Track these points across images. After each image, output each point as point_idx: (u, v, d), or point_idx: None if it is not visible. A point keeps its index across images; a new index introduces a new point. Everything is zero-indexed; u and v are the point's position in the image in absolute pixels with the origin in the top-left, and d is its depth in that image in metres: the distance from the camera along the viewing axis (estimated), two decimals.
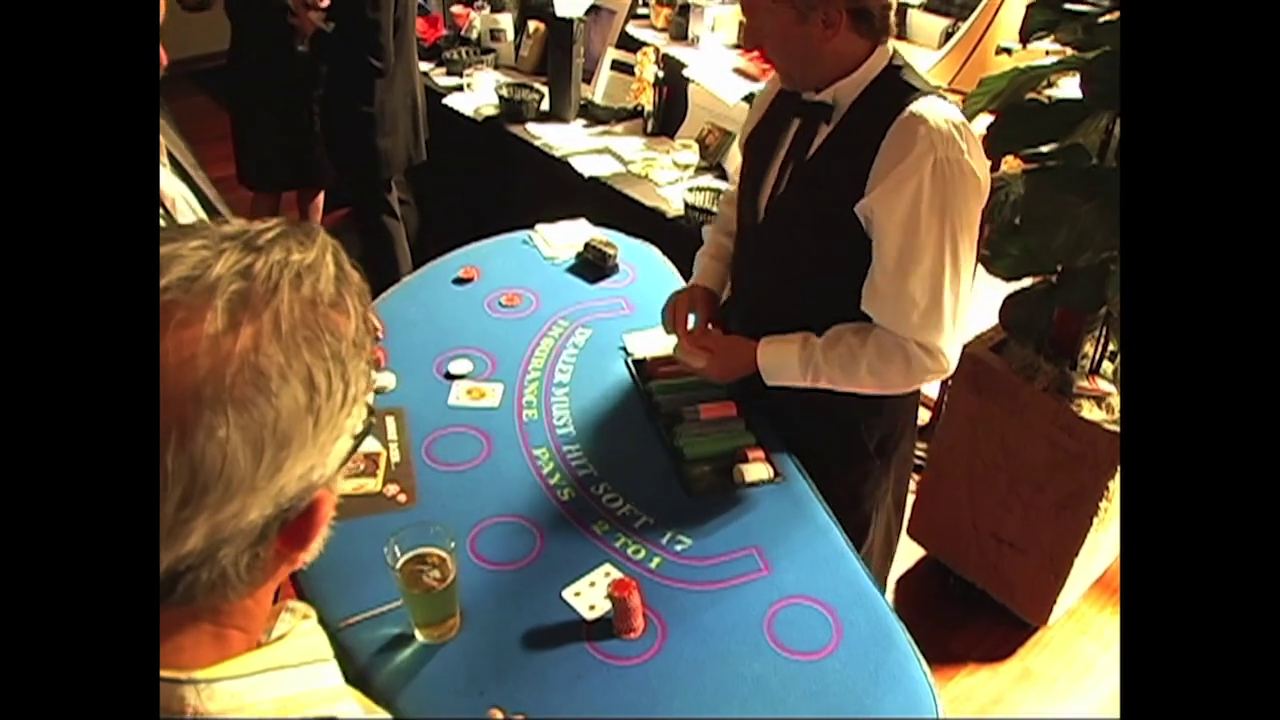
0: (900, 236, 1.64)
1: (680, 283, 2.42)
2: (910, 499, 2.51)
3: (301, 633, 0.79)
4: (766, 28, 1.68)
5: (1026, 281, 2.60)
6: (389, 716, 0.84)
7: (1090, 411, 2.48)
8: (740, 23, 3.79)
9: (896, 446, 2.00)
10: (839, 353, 1.76)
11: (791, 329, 1.82)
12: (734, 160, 2.13)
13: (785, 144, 1.82)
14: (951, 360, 1.73)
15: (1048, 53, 2.50)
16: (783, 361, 1.81)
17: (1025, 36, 2.34)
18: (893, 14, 1.68)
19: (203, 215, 1.69)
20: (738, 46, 3.78)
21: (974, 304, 2.40)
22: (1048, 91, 2.46)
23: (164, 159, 1.66)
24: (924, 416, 3.19)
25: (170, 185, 1.63)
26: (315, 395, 0.65)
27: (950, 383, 2.83)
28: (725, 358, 1.90)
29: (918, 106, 1.63)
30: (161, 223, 1.57)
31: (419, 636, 1.48)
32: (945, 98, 1.70)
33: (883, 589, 2.07)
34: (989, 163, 1.71)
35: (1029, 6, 2.38)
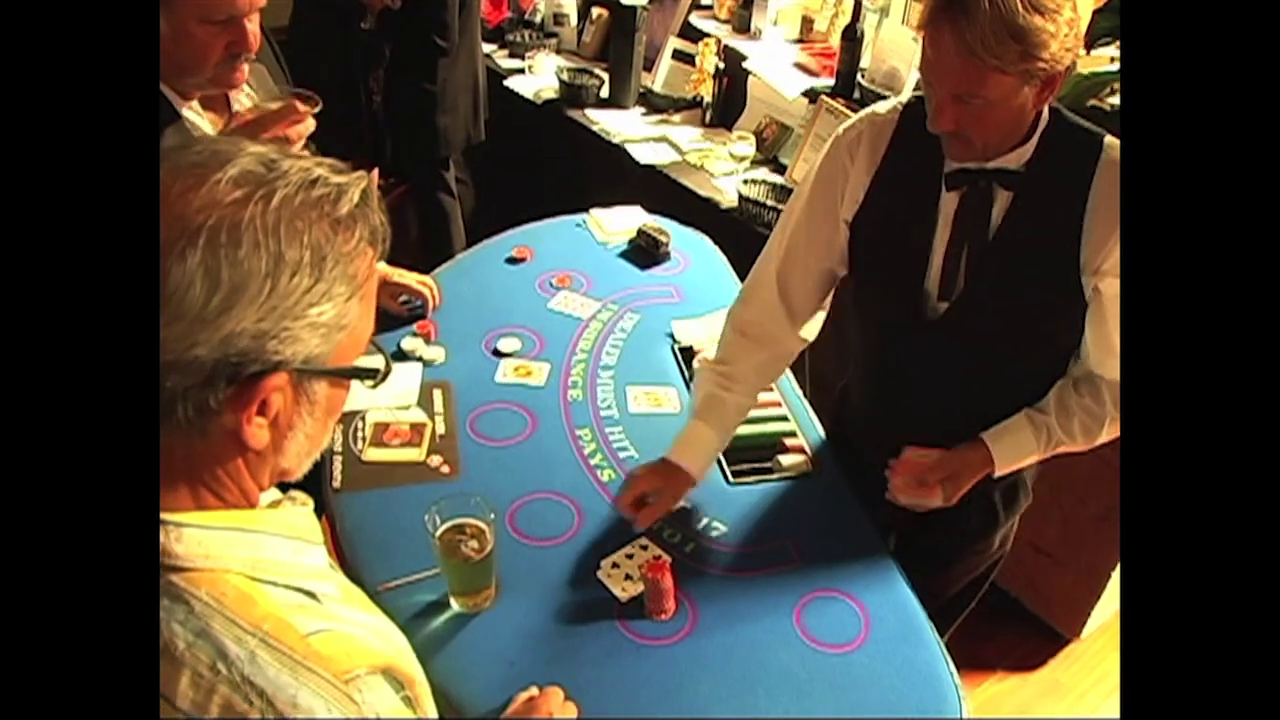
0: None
1: (730, 274, 2.43)
2: None
3: (292, 510, 0.86)
4: (982, 101, 1.39)
5: None
6: (371, 618, 0.88)
7: None
8: (804, 15, 3.77)
9: (1019, 498, 1.92)
10: (1079, 420, 1.64)
11: (981, 418, 1.69)
12: (767, 265, 1.78)
13: (944, 222, 1.58)
14: None
15: (1112, 59, 2.47)
16: (1020, 452, 1.67)
17: (1089, 43, 2.32)
18: None
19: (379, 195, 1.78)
20: (799, 41, 3.76)
21: None
22: (1110, 99, 2.43)
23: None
24: None
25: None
26: (280, 267, 0.72)
27: None
28: (959, 479, 1.68)
29: (1112, 150, 1.50)
30: None
31: (454, 605, 1.51)
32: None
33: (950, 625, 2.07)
34: None
35: (1094, 13, 2.35)
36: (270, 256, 0.72)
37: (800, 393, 2.08)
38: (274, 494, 0.92)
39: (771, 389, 1.95)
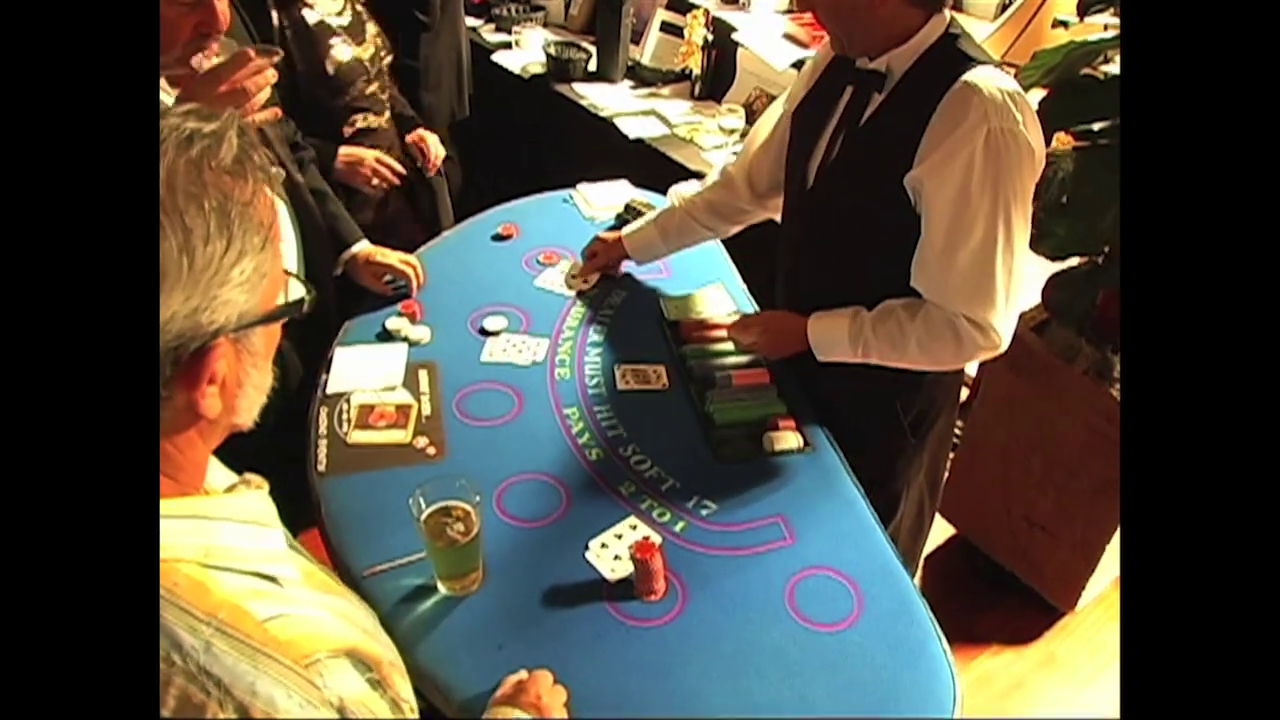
0: (950, 210, 1.61)
1: (719, 249, 2.41)
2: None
3: (247, 494, 0.86)
4: None
5: (1072, 261, 2.55)
6: (334, 599, 0.88)
7: None
8: None
9: (933, 425, 1.98)
10: (888, 328, 1.74)
11: (840, 300, 1.81)
12: (761, 130, 2.07)
13: (837, 112, 1.79)
14: (1004, 337, 1.70)
15: (1106, 27, 2.43)
16: (833, 336, 1.80)
17: (1083, 10, 2.29)
18: None
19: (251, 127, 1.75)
20: (788, 11, 3.73)
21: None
22: (1103, 67, 2.40)
23: None
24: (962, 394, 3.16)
25: None
26: (191, 241, 0.71)
27: (988, 361, 2.79)
28: (775, 334, 1.91)
29: (971, 76, 1.59)
30: None
31: (441, 588, 1.49)
32: (1002, 68, 1.65)
33: (912, 568, 2.06)
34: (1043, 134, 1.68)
35: None
36: (177, 233, 0.70)
37: None
38: (229, 478, 0.91)
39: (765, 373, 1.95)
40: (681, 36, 3.79)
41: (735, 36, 3.56)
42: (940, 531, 3.05)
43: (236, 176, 0.76)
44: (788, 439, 1.80)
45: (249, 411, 0.84)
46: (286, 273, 0.84)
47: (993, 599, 2.90)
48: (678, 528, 1.63)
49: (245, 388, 0.82)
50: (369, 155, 2.57)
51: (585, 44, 3.94)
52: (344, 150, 2.53)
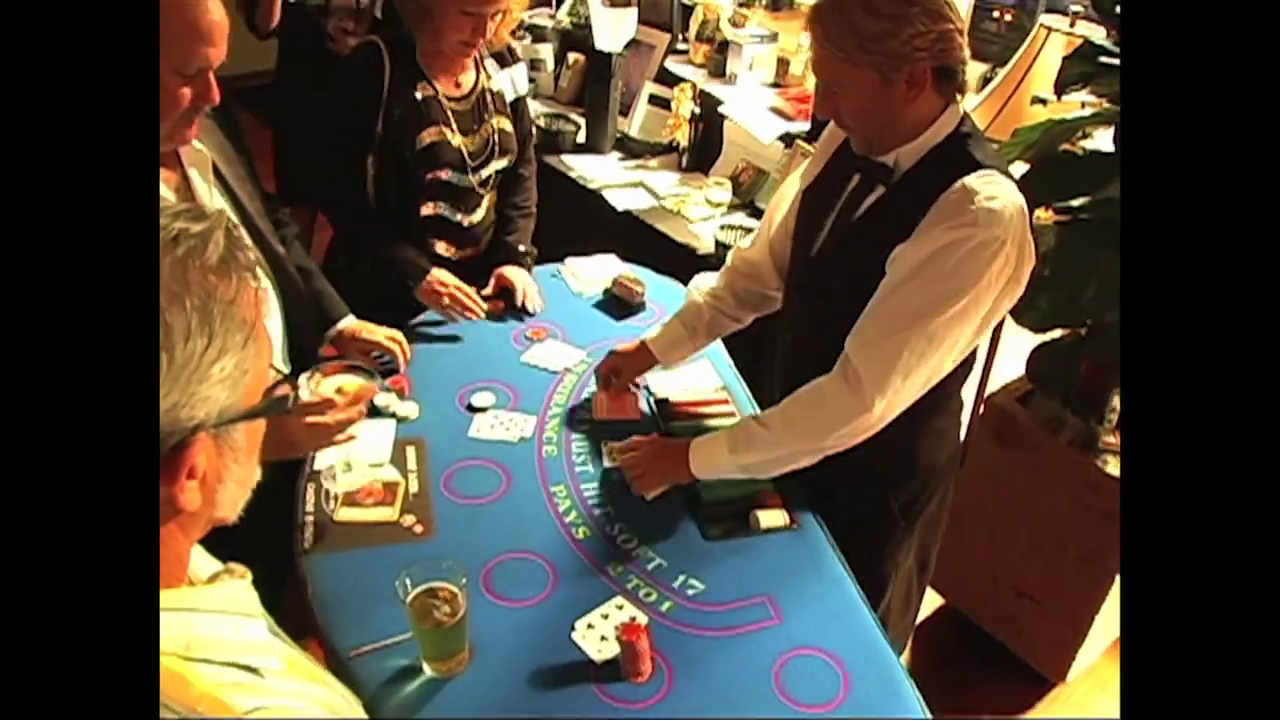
0: (904, 274, 1.60)
1: None
2: None
3: (229, 584, 0.86)
4: (846, 92, 1.62)
5: (1055, 333, 2.58)
6: (316, 689, 0.87)
7: (1116, 467, 2.46)
8: (779, 59, 3.80)
9: (924, 508, 1.96)
10: (765, 416, 1.77)
11: None
12: (778, 209, 2.06)
13: (841, 198, 1.79)
14: (877, 413, 1.65)
15: (1083, 105, 2.49)
16: (712, 448, 1.80)
17: (1060, 89, 2.34)
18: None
19: (239, 226, 1.75)
20: (775, 85, 3.79)
21: (1000, 355, 2.38)
22: (1082, 143, 2.45)
23: (210, 174, 1.71)
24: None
25: (209, 198, 1.69)
26: (172, 338, 0.72)
27: (974, 432, 2.80)
28: (650, 456, 1.88)
29: (972, 180, 1.58)
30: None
31: (427, 670, 1.49)
32: (1007, 173, 1.64)
33: (900, 645, 2.05)
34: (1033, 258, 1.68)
35: (1065, 58, 2.38)
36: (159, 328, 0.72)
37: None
38: (212, 567, 0.91)
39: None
40: (669, 109, 3.84)
41: (722, 109, 3.62)
42: (930, 602, 3.03)
43: (221, 275, 0.77)
44: (775, 517, 1.80)
45: (231, 505, 0.85)
46: (274, 369, 0.85)
47: (983, 670, 2.88)
48: (664, 608, 1.63)
49: (226, 482, 0.82)
50: (451, 285, 2.34)
51: (574, 115, 3.99)
52: (434, 274, 2.34)
